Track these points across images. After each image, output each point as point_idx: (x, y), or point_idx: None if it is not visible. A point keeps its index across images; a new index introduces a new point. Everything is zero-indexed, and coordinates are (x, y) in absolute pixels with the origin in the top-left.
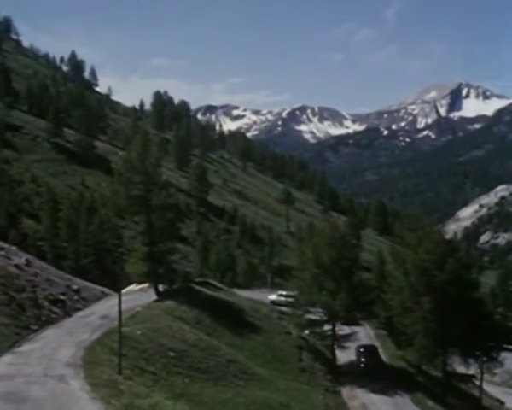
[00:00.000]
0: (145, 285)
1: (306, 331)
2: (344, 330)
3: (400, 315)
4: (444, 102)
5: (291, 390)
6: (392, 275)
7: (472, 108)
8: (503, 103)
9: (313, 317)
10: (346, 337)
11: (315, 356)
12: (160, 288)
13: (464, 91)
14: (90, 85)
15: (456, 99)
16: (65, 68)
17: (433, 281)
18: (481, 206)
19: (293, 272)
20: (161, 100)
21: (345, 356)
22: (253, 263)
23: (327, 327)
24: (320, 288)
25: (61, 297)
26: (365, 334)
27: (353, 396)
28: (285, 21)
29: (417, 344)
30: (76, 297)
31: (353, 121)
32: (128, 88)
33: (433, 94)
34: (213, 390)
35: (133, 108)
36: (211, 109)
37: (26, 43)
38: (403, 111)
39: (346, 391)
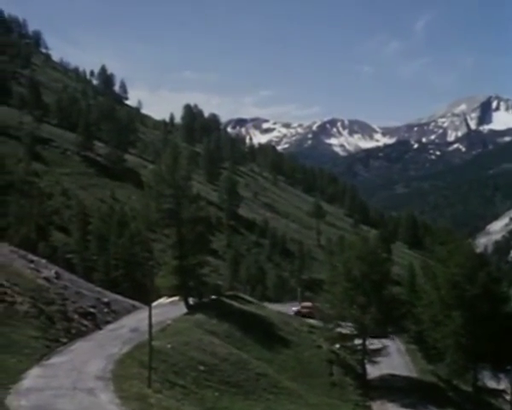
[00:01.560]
0: (175, 298)
1: (337, 345)
2: (374, 344)
3: (431, 329)
4: (474, 114)
5: (321, 405)
6: (422, 289)
7: (502, 120)
8: None
9: (344, 331)
10: (377, 352)
11: (345, 370)
12: (191, 301)
13: (494, 104)
14: (120, 99)
15: (486, 112)
16: (95, 82)
17: (463, 295)
18: None
19: (323, 285)
20: (191, 113)
21: (375, 371)
22: (284, 277)
23: (357, 341)
24: (351, 302)
25: (91, 310)
26: (396, 348)
27: None
28: (315, 35)
29: (448, 359)
30: (106, 310)
31: (383, 134)
32: (158, 101)
33: (462, 107)
34: (243, 404)
35: (163, 122)
36: (241, 122)
37: (55, 57)
38: (433, 124)
39: (376, 406)
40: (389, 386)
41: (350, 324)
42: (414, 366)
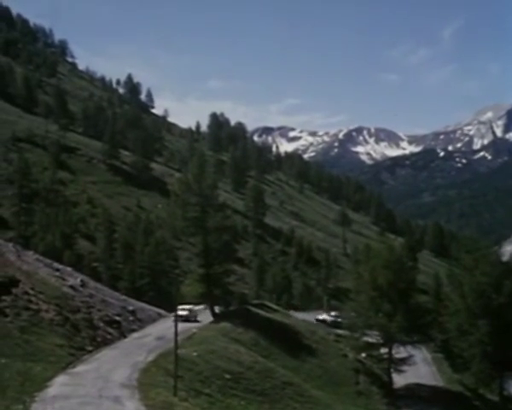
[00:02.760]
0: (201, 307)
1: (363, 354)
2: (400, 353)
3: (457, 338)
4: (500, 122)
5: None
6: (448, 297)
7: None
8: None
9: (370, 340)
10: (403, 361)
11: (371, 379)
12: (216, 309)
13: None
14: (146, 107)
15: None
16: (121, 91)
17: (489, 303)
18: None
19: (349, 294)
20: (218, 121)
21: (401, 380)
22: (310, 285)
23: (383, 350)
24: (377, 310)
25: (117, 318)
26: (422, 357)
27: None
28: (342, 43)
29: (474, 368)
30: (131, 318)
31: (410, 142)
32: (184, 110)
33: (489, 114)
34: None
35: (189, 130)
36: (267, 131)
37: (81, 66)
38: (459, 132)
39: None
40: (415, 395)
41: (376, 332)
42: (440, 375)
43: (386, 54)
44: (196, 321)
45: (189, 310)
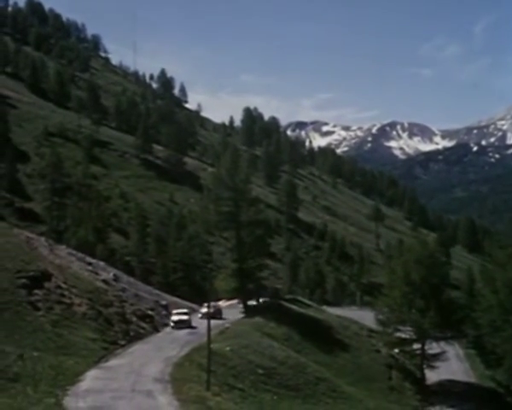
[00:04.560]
0: (234, 301)
1: (396, 350)
2: (433, 349)
3: (489, 334)
4: None
5: (380, 409)
6: (481, 293)
7: None
8: None
9: (403, 335)
10: (436, 357)
11: (404, 375)
12: (249, 304)
13: None
14: (179, 102)
15: None
16: (154, 85)
17: None
18: None
19: (382, 289)
20: (251, 116)
21: (434, 375)
22: (343, 280)
23: (416, 346)
24: (409, 306)
25: (150, 313)
26: (454, 353)
27: None
28: (374, 38)
29: (507, 364)
30: (164, 313)
31: (443, 137)
32: (218, 104)
33: None
34: (302, 408)
35: (223, 125)
36: (300, 125)
37: (114, 60)
38: (492, 127)
39: None
40: (448, 391)
41: (409, 328)
42: (473, 371)
43: (418, 48)
44: (221, 318)
45: (214, 306)
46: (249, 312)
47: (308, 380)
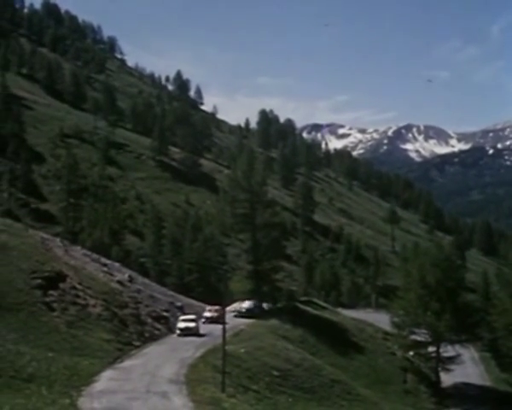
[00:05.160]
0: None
1: (411, 353)
2: (448, 352)
3: (505, 337)
4: None
5: None
6: (496, 296)
7: None
8: None
9: (418, 338)
10: (451, 360)
11: (419, 378)
12: (265, 306)
13: None
14: (195, 104)
15: None
16: (170, 87)
17: None
18: None
19: (398, 292)
20: (267, 118)
21: (449, 378)
22: (358, 283)
23: (431, 349)
24: (425, 308)
25: (165, 314)
26: (469, 356)
27: None
28: (390, 41)
29: None
30: (179, 314)
31: (459, 140)
32: (234, 106)
33: None
34: None
35: (239, 127)
36: (316, 128)
37: (130, 62)
38: (508, 130)
39: None
40: (463, 394)
41: (424, 331)
42: (488, 374)
43: (434, 51)
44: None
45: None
46: (264, 314)
47: (323, 382)
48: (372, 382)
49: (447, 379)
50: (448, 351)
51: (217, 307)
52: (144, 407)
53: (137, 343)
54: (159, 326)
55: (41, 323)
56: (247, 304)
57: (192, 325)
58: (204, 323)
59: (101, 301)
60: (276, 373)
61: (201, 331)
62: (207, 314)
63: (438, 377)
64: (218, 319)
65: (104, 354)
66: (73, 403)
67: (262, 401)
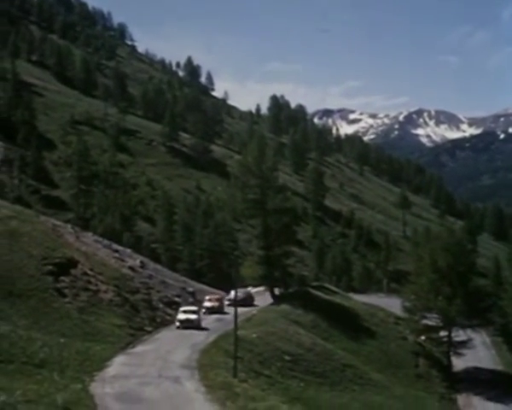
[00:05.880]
0: (261, 288)
1: (422, 337)
2: (460, 336)
3: None
4: None
5: (407, 397)
6: (508, 281)
7: None
8: None
9: (429, 323)
10: (462, 344)
11: (431, 362)
12: (276, 291)
13: None
14: (206, 90)
15: None
16: (181, 73)
17: None
18: None
19: (409, 277)
20: (278, 104)
21: (461, 363)
22: (369, 268)
23: (443, 333)
24: (436, 293)
25: (176, 299)
26: (481, 341)
27: (469, 404)
28: (400, 26)
29: None
30: (191, 300)
31: (470, 125)
32: (244, 92)
33: None
34: (329, 395)
35: (249, 113)
36: (327, 113)
37: (141, 49)
38: None
39: (461, 399)
40: (474, 379)
41: (435, 315)
42: (499, 358)
43: (445, 36)
44: (252, 305)
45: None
46: (276, 299)
47: (335, 367)
48: (384, 366)
49: (459, 364)
50: (459, 335)
51: (217, 297)
52: (156, 392)
53: (149, 329)
54: (170, 312)
55: (52, 309)
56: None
57: (193, 317)
58: (204, 313)
59: (112, 287)
60: (287, 358)
61: (207, 327)
62: (207, 304)
63: (449, 361)
64: (219, 309)
65: (116, 340)
66: (85, 388)
67: (274, 386)
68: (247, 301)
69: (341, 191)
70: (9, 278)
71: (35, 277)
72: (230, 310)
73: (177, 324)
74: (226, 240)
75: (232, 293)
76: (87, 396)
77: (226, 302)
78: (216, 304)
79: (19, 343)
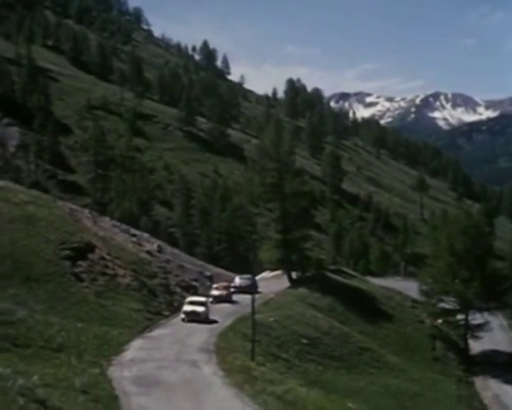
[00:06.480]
0: (278, 272)
1: (439, 320)
2: (477, 319)
3: None
4: None
5: (424, 380)
6: None
7: None
8: None
9: (446, 306)
10: (479, 327)
11: (448, 345)
12: (293, 275)
13: None
14: (222, 74)
15: None
16: (197, 57)
17: None
18: None
19: (426, 260)
20: (294, 87)
21: (478, 346)
22: (387, 251)
23: (460, 316)
24: (453, 276)
25: (194, 283)
26: (498, 324)
27: (486, 386)
28: (417, 8)
29: None
30: (208, 284)
31: (487, 108)
32: (261, 76)
33: None
34: (346, 378)
35: (266, 96)
36: (344, 97)
37: (157, 33)
38: None
39: (478, 381)
40: (491, 362)
41: (452, 298)
42: None
43: (462, 18)
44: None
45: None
46: (293, 283)
47: (352, 350)
48: (401, 349)
49: (476, 347)
50: (476, 319)
51: (226, 285)
52: (174, 376)
53: (166, 313)
54: (188, 296)
55: (70, 293)
56: (240, 281)
57: (200, 309)
58: (212, 303)
59: (130, 272)
60: (305, 341)
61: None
62: (215, 293)
63: (466, 344)
64: (228, 298)
65: (133, 324)
66: (103, 372)
67: (291, 369)
68: (253, 287)
69: (359, 175)
70: (27, 263)
71: (52, 261)
72: (236, 298)
73: (182, 316)
74: (244, 224)
75: (237, 280)
76: (105, 380)
77: (210, 299)
78: (224, 292)
79: (36, 328)
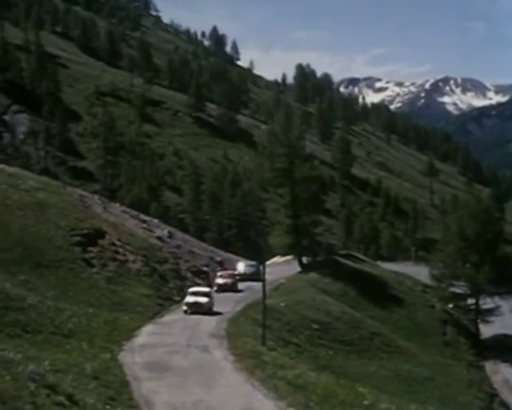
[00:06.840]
0: (289, 257)
1: (450, 305)
2: (487, 304)
3: None
4: None
5: (435, 364)
6: None
7: None
8: None
9: (457, 290)
10: (490, 311)
11: (458, 330)
12: (304, 260)
13: None
14: (231, 60)
15: None
16: (206, 43)
17: None
18: None
19: (437, 245)
20: (304, 73)
21: (488, 330)
22: (397, 236)
23: (470, 301)
24: (464, 261)
25: (204, 269)
26: (509, 308)
27: (496, 371)
28: None
29: None
30: (219, 269)
31: (496, 92)
32: (270, 61)
33: None
34: (357, 363)
35: (275, 82)
36: (353, 82)
37: (166, 19)
38: None
39: (489, 366)
40: (502, 346)
41: (463, 283)
42: None
43: (471, 2)
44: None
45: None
46: (304, 268)
47: (363, 335)
48: (411, 334)
49: (486, 331)
50: (487, 303)
51: (230, 273)
52: (185, 361)
53: (177, 298)
54: (199, 281)
55: (80, 279)
56: (244, 268)
57: (203, 300)
58: (216, 291)
59: (140, 257)
60: (316, 326)
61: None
62: (219, 281)
63: (477, 329)
64: (233, 287)
65: (144, 309)
66: (114, 358)
67: (302, 354)
68: (257, 275)
69: (368, 160)
70: (37, 250)
71: (63, 248)
72: (241, 286)
73: (184, 308)
74: (254, 209)
75: (240, 266)
76: (116, 365)
77: (214, 288)
78: (229, 281)
79: (47, 314)
